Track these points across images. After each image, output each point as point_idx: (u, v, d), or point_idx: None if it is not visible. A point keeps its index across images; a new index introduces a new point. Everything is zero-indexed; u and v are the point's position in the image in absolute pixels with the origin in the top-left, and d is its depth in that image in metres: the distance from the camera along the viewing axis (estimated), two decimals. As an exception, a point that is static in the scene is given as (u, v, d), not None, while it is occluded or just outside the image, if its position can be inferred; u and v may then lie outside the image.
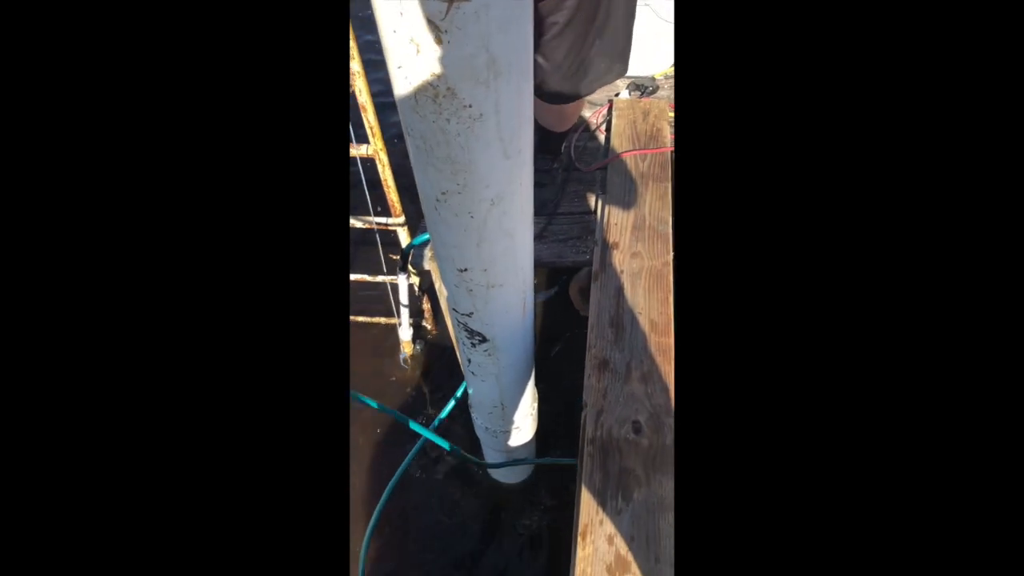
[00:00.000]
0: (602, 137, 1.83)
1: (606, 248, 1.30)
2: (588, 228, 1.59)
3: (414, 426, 1.25)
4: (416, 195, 0.83)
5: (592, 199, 1.65)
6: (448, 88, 0.63)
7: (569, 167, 1.76)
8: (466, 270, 0.96)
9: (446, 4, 0.54)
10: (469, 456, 1.51)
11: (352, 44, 1.30)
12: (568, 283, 2.05)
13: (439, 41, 0.58)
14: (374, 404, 1.07)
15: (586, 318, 1.22)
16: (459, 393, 1.59)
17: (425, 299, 2.32)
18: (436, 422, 1.50)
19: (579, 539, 0.88)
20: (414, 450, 1.41)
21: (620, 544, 0.86)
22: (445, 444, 1.30)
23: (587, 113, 1.94)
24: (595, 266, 1.28)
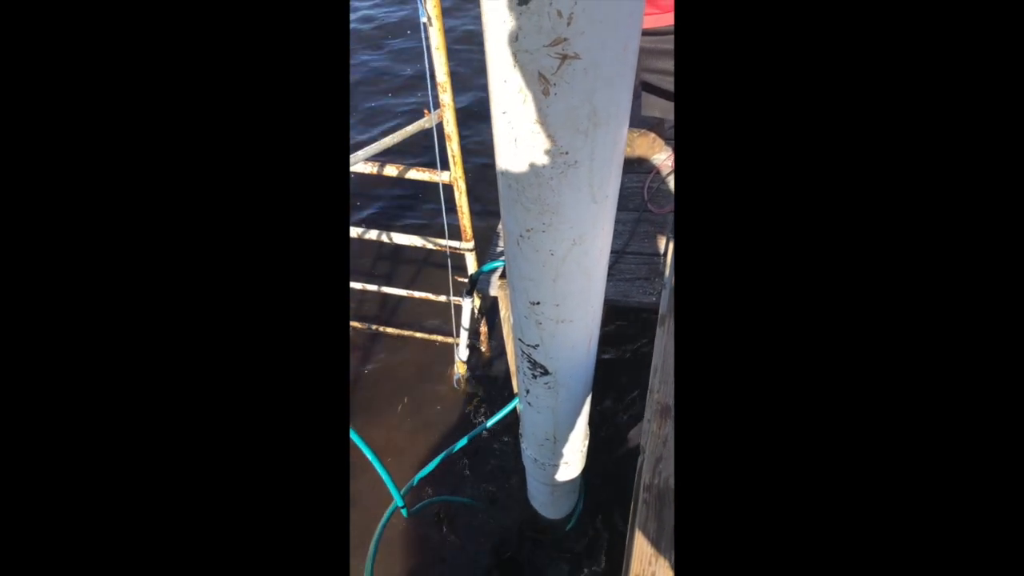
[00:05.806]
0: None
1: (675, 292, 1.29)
2: (656, 270, 1.59)
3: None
4: (482, 221, 0.87)
5: (662, 242, 1.65)
6: (548, 135, 0.66)
7: (642, 208, 1.76)
8: (538, 303, 0.98)
9: (559, 60, 0.57)
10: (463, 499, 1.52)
11: (446, 78, 1.37)
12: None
13: (546, 93, 0.61)
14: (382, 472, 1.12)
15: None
16: (488, 424, 1.57)
17: (483, 321, 2.36)
18: (455, 448, 1.51)
19: (628, 588, 0.87)
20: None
21: (671, 599, 0.84)
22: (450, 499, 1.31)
23: (662, 156, 1.95)
24: (662, 309, 1.28)
